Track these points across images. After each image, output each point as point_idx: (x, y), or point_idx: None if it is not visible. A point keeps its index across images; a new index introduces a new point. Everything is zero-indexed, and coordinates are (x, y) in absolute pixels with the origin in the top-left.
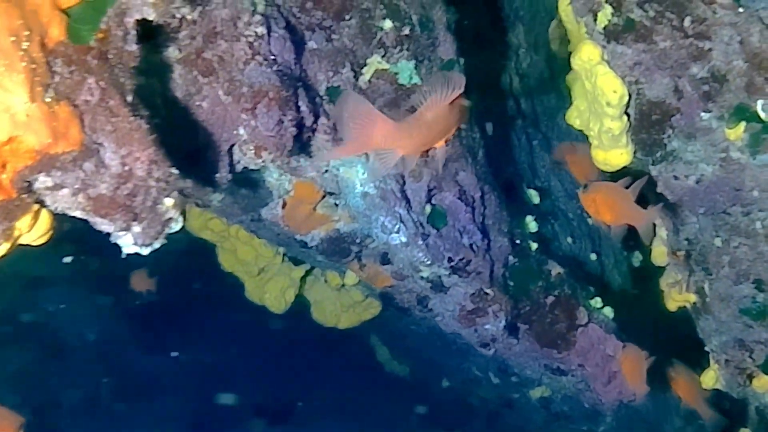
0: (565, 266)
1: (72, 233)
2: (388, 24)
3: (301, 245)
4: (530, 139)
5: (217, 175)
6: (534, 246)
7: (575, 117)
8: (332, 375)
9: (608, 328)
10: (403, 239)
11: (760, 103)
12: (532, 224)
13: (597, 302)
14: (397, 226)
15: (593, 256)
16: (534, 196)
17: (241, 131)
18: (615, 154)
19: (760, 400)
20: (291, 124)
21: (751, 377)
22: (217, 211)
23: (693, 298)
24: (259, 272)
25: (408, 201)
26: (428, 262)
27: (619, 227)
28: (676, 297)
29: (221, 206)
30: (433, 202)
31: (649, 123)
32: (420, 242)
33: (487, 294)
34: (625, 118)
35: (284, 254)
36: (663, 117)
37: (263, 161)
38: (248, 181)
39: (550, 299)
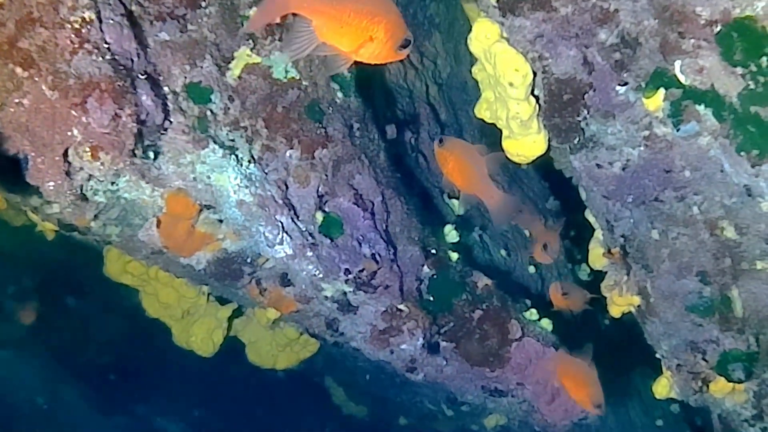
0: (496, 279)
1: None
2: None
3: (188, 270)
4: None
5: (51, 184)
6: (455, 256)
7: (485, 110)
8: (289, 421)
9: (546, 341)
10: (288, 251)
11: (677, 64)
12: (452, 233)
13: (532, 314)
14: (279, 237)
15: (532, 269)
16: (456, 206)
17: (75, 131)
18: (527, 143)
19: (721, 407)
20: (130, 119)
21: (707, 382)
22: (96, 237)
23: (636, 300)
24: (184, 315)
25: (293, 208)
26: (320, 275)
27: (469, 195)
28: (618, 301)
29: (95, 230)
30: (326, 209)
31: (560, 104)
32: (309, 254)
33: (400, 310)
34: (533, 100)
35: (209, 294)
36: (575, 96)
37: (102, 164)
38: (118, 200)
39: (478, 313)
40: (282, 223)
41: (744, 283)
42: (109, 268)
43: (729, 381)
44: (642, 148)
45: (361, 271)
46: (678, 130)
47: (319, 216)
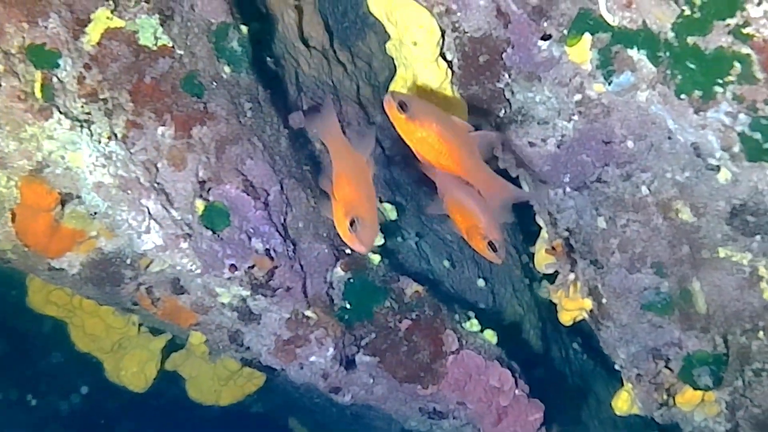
0: (432, 288)
1: None
2: None
3: (62, 276)
4: (387, 153)
5: None
6: (376, 259)
7: (400, 88)
8: None
9: (490, 354)
10: (157, 241)
11: (603, 0)
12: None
13: (473, 325)
14: (146, 224)
15: (481, 282)
16: (390, 211)
17: None
18: None
19: (691, 423)
20: None
21: (672, 393)
22: None
23: (587, 303)
24: (114, 347)
25: (164, 193)
26: (198, 271)
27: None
28: (568, 305)
29: None
30: (209, 197)
31: (477, 68)
32: (183, 245)
33: (306, 317)
34: (444, 64)
35: (139, 324)
36: (492, 56)
37: None
38: None
39: (405, 323)
40: (148, 208)
41: (706, 275)
42: (31, 299)
43: (696, 389)
44: (576, 118)
45: (251, 267)
46: (610, 84)
47: (200, 204)
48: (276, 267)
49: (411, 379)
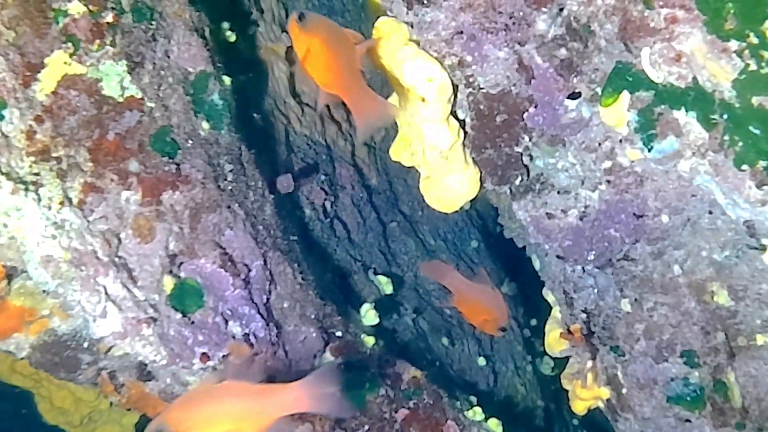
0: (431, 371)
1: None
2: (76, 6)
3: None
4: (383, 219)
5: None
6: (370, 341)
7: (402, 150)
8: None
9: None
10: (116, 327)
11: (645, 53)
12: (369, 314)
13: (476, 413)
14: (101, 306)
15: (482, 361)
16: (385, 284)
17: None
18: (452, 185)
19: None
20: None
21: None
22: None
23: (604, 392)
24: (83, 421)
25: (127, 269)
26: (163, 362)
27: (329, 95)
28: (583, 394)
29: None
30: (180, 273)
31: (493, 129)
32: (146, 331)
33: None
34: (455, 124)
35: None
36: (511, 116)
37: None
38: None
39: (402, 413)
40: (105, 288)
41: (742, 364)
42: None
43: None
44: (603, 187)
45: (227, 356)
46: (650, 150)
47: (169, 281)
48: (256, 354)
49: None
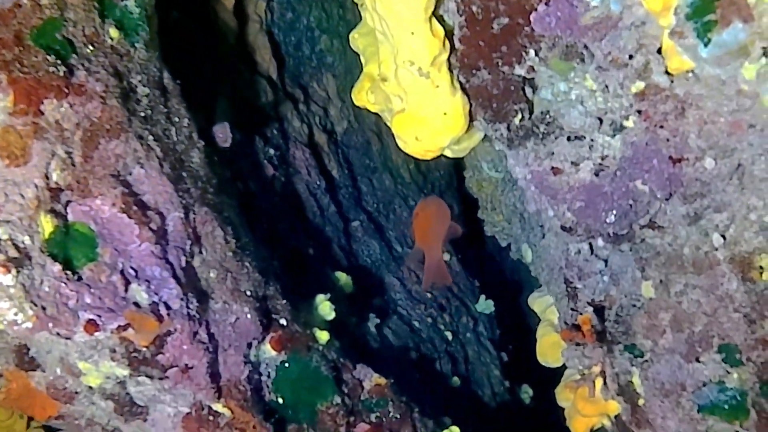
0: (395, 380)
1: None
2: None
3: None
4: (345, 215)
5: None
6: (323, 336)
7: (367, 90)
8: None
9: None
10: None
11: None
12: (325, 306)
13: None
14: None
15: (456, 380)
16: (345, 282)
17: None
18: (433, 116)
19: None
20: None
21: None
22: None
23: (613, 406)
24: None
25: None
26: (27, 324)
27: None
28: (586, 408)
29: None
30: (66, 211)
31: (489, 43)
32: (6, 279)
33: (216, 414)
34: (440, 30)
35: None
36: (513, 19)
37: None
38: None
39: (362, 428)
40: None
41: None
42: None
43: None
44: (631, 123)
45: (124, 328)
46: (706, 45)
47: (47, 222)
48: (169, 333)
49: None
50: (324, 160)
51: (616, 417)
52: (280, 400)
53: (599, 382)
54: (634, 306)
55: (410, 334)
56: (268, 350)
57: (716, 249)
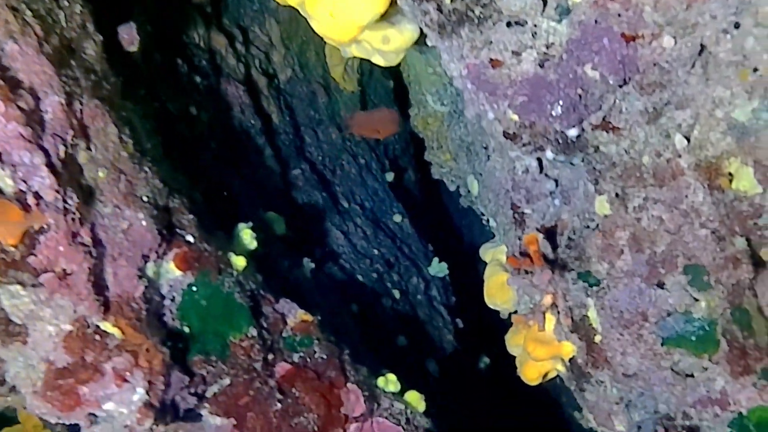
0: (329, 321)
1: None
2: None
3: None
4: (285, 161)
5: None
6: (240, 263)
7: None
8: None
9: (415, 427)
10: None
11: None
12: (245, 234)
13: (390, 382)
14: None
15: (402, 340)
16: (278, 222)
17: None
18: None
19: None
20: None
21: None
22: None
23: (568, 348)
24: None
25: None
26: None
27: None
28: (538, 351)
29: None
30: None
31: None
32: None
33: (102, 333)
34: None
35: None
36: None
37: None
38: None
39: (283, 368)
40: None
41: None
42: None
43: None
44: (579, 1)
45: None
46: None
47: None
48: (42, 231)
49: None
50: (262, 102)
51: (570, 360)
52: (186, 328)
53: (551, 320)
54: (588, 227)
55: (352, 286)
56: (171, 269)
57: (679, 155)
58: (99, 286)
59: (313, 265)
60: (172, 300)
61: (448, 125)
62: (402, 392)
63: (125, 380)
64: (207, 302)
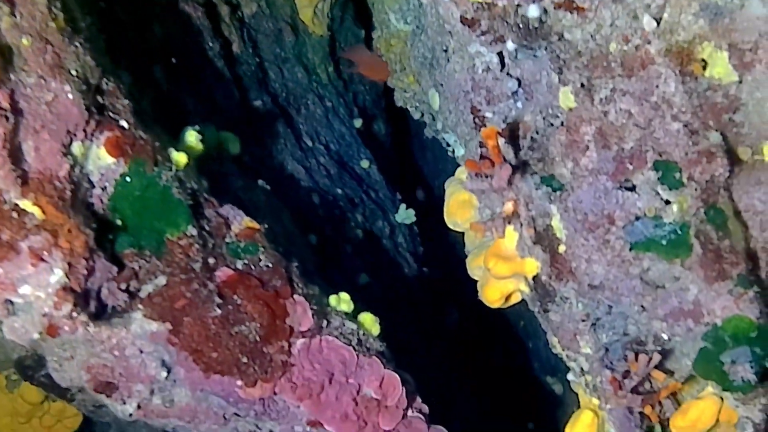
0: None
1: None
2: None
3: None
4: (245, 90)
5: None
6: (181, 160)
7: None
8: None
9: (368, 349)
10: None
11: None
12: (191, 135)
13: (341, 301)
14: None
15: (364, 277)
16: (232, 142)
17: None
18: None
19: None
20: None
21: (666, 412)
22: None
23: (531, 265)
24: None
25: None
26: None
27: None
28: (499, 267)
29: None
30: None
31: None
32: None
33: (20, 211)
34: None
35: None
36: None
37: None
38: None
39: (225, 273)
40: None
41: (747, 187)
42: None
43: (726, 389)
44: None
45: None
46: None
47: None
48: None
49: (226, 368)
50: (223, 30)
51: (534, 279)
52: (118, 221)
53: (514, 236)
54: (552, 125)
55: (311, 218)
56: (102, 156)
57: (648, 41)
58: (17, 157)
59: (268, 188)
60: (104, 190)
61: (411, 44)
62: (355, 315)
63: (42, 260)
64: (142, 194)
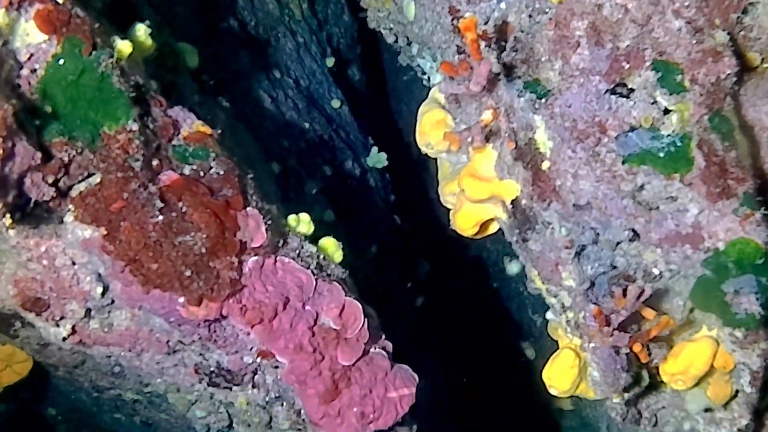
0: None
1: None
2: None
3: None
4: (208, 9)
5: None
6: (125, 49)
7: None
8: None
9: (327, 275)
10: None
11: None
12: (139, 29)
13: (302, 222)
14: None
15: (329, 214)
16: (190, 54)
17: None
18: None
19: (677, 418)
20: None
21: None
22: None
23: (510, 188)
24: None
25: None
26: None
27: None
28: (474, 189)
29: None
30: None
31: None
32: None
33: None
34: None
35: None
36: None
37: None
38: None
39: (170, 177)
40: None
41: (752, 98)
42: None
43: (726, 324)
44: None
45: None
46: None
47: None
48: None
49: (167, 282)
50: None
51: (513, 203)
52: (49, 109)
53: (492, 155)
54: (539, 23)
55: (275, 146)
56: (31, 31)
57: None
58: None
59: (228, 105)
60: (33, 72)
61: None
62: (316, 239)
63: None
64: (76, 80)
